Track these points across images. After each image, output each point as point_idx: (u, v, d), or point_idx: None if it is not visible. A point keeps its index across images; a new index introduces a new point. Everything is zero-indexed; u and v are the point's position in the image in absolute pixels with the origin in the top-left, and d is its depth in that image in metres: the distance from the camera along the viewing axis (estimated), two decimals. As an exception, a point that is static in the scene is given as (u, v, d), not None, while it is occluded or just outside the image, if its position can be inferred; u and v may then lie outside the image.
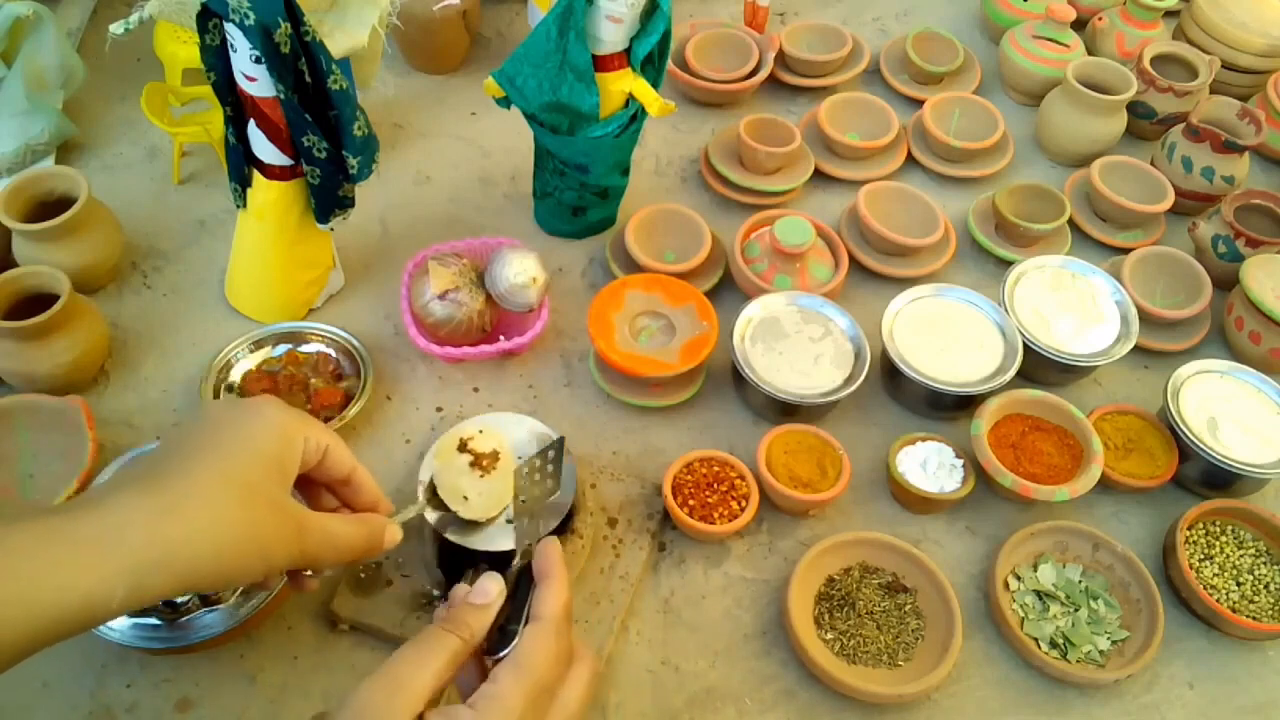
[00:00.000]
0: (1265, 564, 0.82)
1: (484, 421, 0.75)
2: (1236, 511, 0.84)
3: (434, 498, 0.69)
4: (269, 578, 0.54)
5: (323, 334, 0.89)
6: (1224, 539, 0.83)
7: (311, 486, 0.58)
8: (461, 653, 0.50)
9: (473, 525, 0.69)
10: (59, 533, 0.44)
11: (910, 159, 1.13)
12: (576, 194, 0.96)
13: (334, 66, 0.75)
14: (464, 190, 1.06)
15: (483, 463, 0.71)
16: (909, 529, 0.84)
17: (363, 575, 0.74)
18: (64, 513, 0.46)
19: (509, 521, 0.70)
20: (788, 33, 1.19)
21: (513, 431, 0.75)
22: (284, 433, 0.52)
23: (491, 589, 0.53)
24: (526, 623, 0.52)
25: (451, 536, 0.69)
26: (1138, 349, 0.92)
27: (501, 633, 0.52)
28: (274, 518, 0.50)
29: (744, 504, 0.79)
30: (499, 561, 0.71)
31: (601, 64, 0.86)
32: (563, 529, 0.73)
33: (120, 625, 0.68)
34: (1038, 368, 0.91)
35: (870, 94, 1.15)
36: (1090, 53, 1.22)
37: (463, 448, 0.72)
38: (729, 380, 0.92)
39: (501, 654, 0.51)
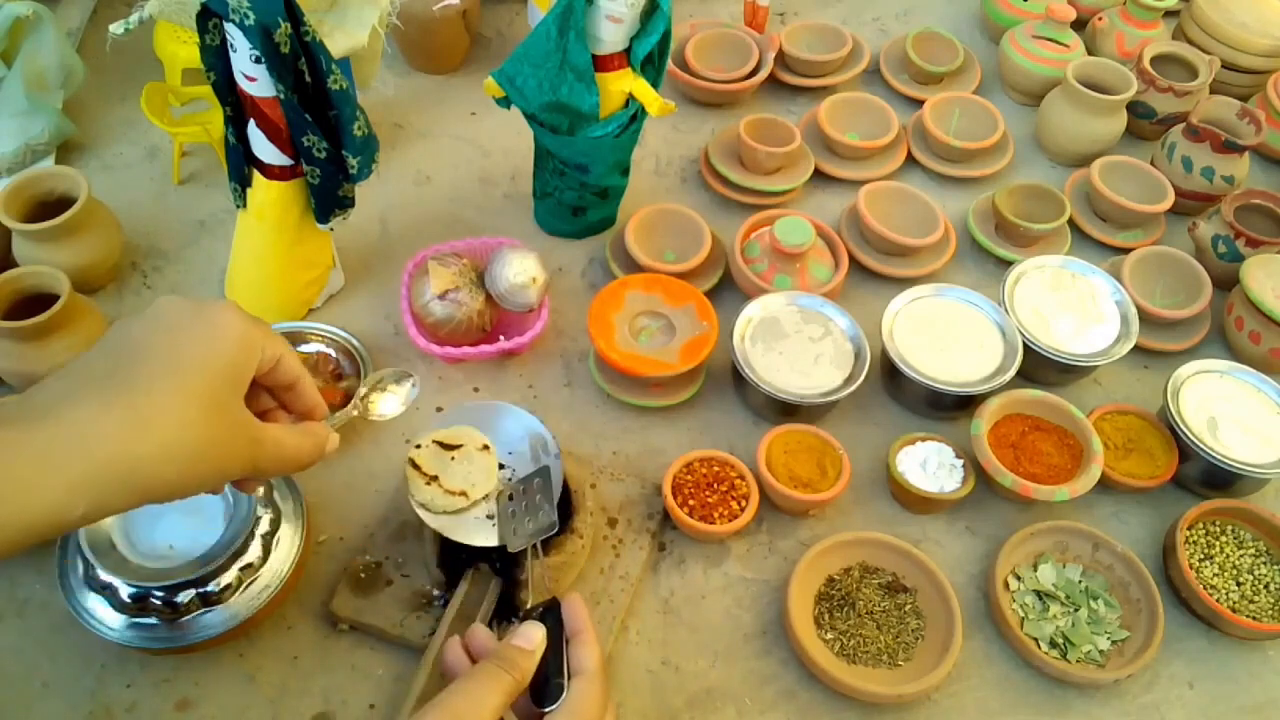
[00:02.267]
0: (1265, 564, 0.82)
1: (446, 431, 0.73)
2: (1236, 511, 0.84)
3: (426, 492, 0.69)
4: (218, 488, 0.54)
5: (323, 334, 0.89)
6: (1224, 539, 0.83)
7: (251, 387, 0.56)
8: (513, 692, 0.53)
9: (463, 517, 0.70)
10: (21, 445, 0.44)
11: (910, 159, 1.13)
12: (576, 194, 0.96)
13: (334, 66, 0.75)
14: (464, 190, 1.06)
15: (452, 451, 0.71)
16: (909, 529, 0.83)
17: (363, 575, 0.74)
18: (23, 422, 0.45)
19: (489, 517, 0.70)
20: (788, 33, 1.19)
21: (507, 425, 0.75)
22: (244, 342, 0.51)
23: (535, 635, 0.56)
24: (570, 676, 0.56)
25: (444, 530, 0.69)
26: (1138, 349, 0.92)
27: (546, 682, 0.56)
28: (232, 432, 0.50)
29: (744, 504, 0.79)
30: (495, 558, 0.71)
31: (601, 64, 0.86)
32: (562, 529, 0.73)
33: (120, 625, 0.68)
34: (1038, 368, 0.91)
35: (870, 94, 1.15)
36: (1090, 53, 1.22)
37: (442, 446, 0.72)
38: (729, 380, 0.92)
39: (551, 707, 0.55)
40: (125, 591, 0.67)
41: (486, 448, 0.72)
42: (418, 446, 0.70)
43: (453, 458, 0.71)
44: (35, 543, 0.45)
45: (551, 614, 0.59)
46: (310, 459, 0.56)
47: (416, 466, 0.70)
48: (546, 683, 0.56)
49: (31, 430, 0.44)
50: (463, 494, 0.69)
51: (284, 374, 0.55)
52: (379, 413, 0.65)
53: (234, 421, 0.50)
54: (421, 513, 0.69)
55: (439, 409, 0.87)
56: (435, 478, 0.69)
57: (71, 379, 0.47)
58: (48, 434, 0.44)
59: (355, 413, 0.64)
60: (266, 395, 0.57)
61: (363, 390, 0.65)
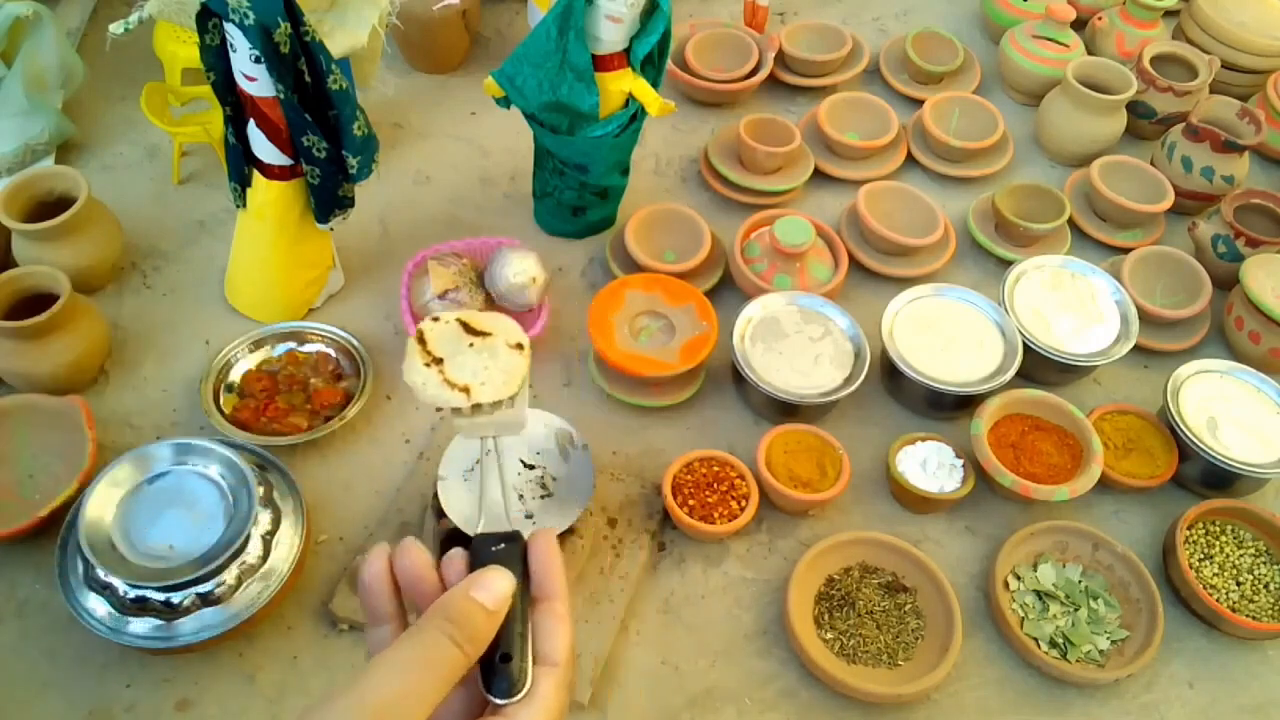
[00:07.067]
0: (1265, 564, 0.82)
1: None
2: (1236, 511, 0.84)
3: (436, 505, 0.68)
4: None
5: (323, 334, 0.89)
6: (1224, 539, 0.83)
7: None
8: (462, 671, 0.39)
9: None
10: None
11: (910, 159, 1.13)
12: (576, 194, 0.96)
13: (334, 66, 0.75)
14: (464, 190, 1.06)
15: (474, 337, 0.54)
16: (909, 529, 0.83)
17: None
18: None
19: (528, 517, 0.68)
20: (788, 33, 1.19)
21: (531, 427, 0.75)
22: None
23: (501, 591, 0.41)
24: (535, 661, 0.41)
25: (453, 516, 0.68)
26: (1138, 349, 0.92)
27: (497, 657, 0.40)
28: None
29: (744, 504, 0.79)
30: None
31: (601, 64, 0.86)
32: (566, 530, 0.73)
33: (120, 625, 0.68)
34: (1037, 367, 0.91)
35: (870, 94, 1.15)
36: (1090, 52, 1.22)
37: (465, 328, 0.54)
38: (729, 380, 0.92)
39: (505, 701, 0.39)
40: (125, 591, 0.67)
41: (520, 346, 0.54)
42: (435, 319, 0.53)
43: (471, 344, 0.53)
44: None
45: (513, 553, 0.43)
46: None
47: (422, 341, 0.53)
48: (498, 657, 0.40)
49: None
50: (465, 390, 0.52)
51: None
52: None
53: None
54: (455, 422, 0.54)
55: (438, 409, 0.87)
56: (440, 360, 0.53)
57: None
58: None
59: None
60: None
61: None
